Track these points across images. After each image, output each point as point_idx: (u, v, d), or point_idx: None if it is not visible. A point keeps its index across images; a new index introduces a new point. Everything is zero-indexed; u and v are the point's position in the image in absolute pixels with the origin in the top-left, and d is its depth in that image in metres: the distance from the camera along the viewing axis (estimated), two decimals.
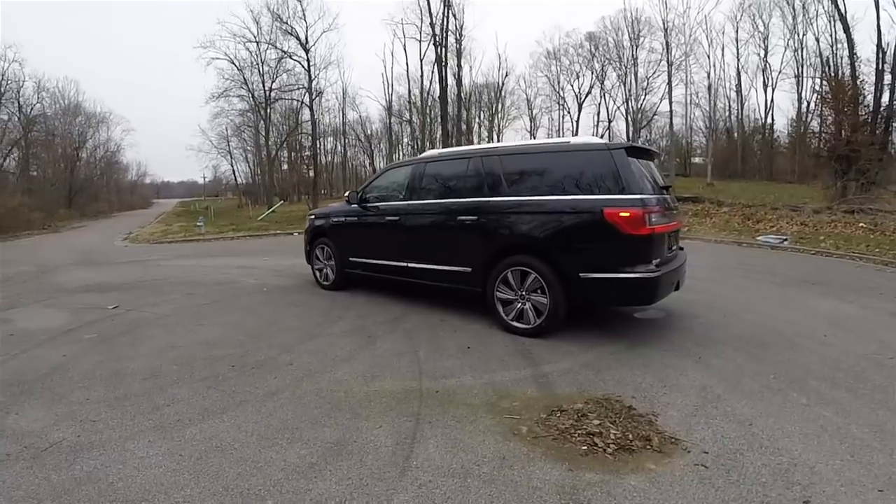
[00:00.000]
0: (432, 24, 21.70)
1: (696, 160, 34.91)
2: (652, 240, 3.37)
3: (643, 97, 32.11)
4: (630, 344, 3.58)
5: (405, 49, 28.03)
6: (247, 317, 4.80)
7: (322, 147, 36.46)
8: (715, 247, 9.43)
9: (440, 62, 21.39)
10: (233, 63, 20.55)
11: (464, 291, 4.32)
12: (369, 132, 40.37)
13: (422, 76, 24.94)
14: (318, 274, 6.12)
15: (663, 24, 24.46)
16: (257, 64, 21.30)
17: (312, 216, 6.27)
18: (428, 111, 28.89)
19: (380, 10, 59.61)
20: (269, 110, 23.11)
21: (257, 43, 20.06)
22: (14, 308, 5.44)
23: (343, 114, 34.39)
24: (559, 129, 38.68)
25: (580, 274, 3.48)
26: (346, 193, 5.85)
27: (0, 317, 5.02)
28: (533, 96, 38.97)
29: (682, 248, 4.45)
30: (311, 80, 20.40)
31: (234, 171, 35.36)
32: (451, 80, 23.72)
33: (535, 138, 38.50)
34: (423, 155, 5.10)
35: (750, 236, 10.17)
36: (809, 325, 3.99)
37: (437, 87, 23.15)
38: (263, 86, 21.72)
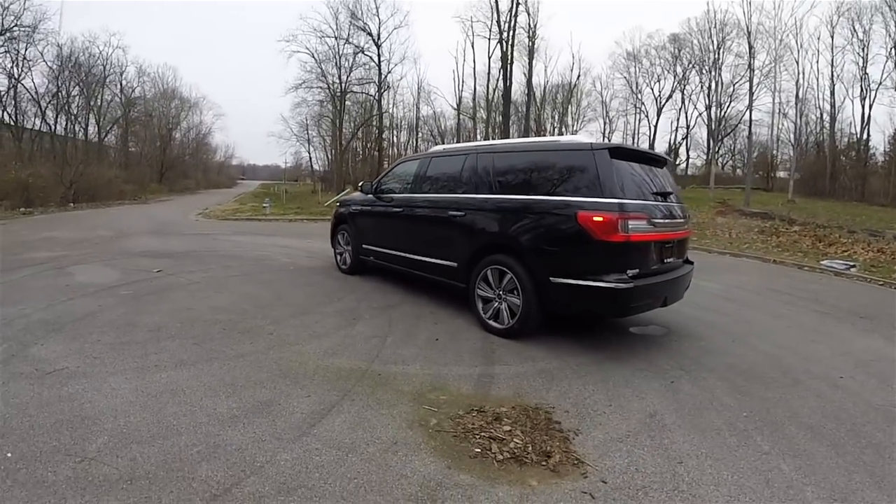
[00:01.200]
0: (498, 22, 21.86)
1: (782, 174, 31.85)
2: (627, 248, 3.28)
3: (727, 104, 29.82)
4: (603, 358, 3.51)
5: (473, 47, 28.24)
6: (262, 290, 5.37)
7: (395, 140, 38.09)
8: (770, 268, 8.64)
9: (505, 59, 21.41)
10: (312, 56, 22.23)
11: (453, 286, 4.49)
12: (443, 127, 41.38)
13: (488, 74, 25.02)
14: (338, 258, 6.64)
15: (747, 27, 22.34)
16: (334, 57, 22.80)
17: (339, 204, 6.78)
18: (494, 108, 29.01)
19: (450, 9, 60.23)
20: (343, 101, 24.56)
21: (335, 38, 21.49)
22: (80, 264, 6.52)
23: (417, 109, 35.70)
24: (635, 133, 37.27)
25: (550, 278, 3.48)
26: (360, 184, 6.27)
27: (66, 271, 6.06)
28: (609, 98, 38.09)
29: (689, 262, 4.27)
30: (380, 76, 21.47)
31: (310, 157, 38.04)
32: (520, 78, 23.62)
33: (610, 141, 37.41)
34: (431, 150, 5.36)
35: (815, 260, 9.17)
36: (829, 363, 3.64)
37: (506, 84, 23.12)
38: (339, 78, 23.20)
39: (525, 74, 24.31)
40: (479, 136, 29.31)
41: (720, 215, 14.79)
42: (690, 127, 34.96)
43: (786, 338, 4.23)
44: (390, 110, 33.91)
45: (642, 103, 37.24)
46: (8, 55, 17.24)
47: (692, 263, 4.33)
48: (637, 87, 36.83)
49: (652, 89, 36.73)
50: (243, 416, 2.45)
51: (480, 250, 4.02)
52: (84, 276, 5.82)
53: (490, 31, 24.50)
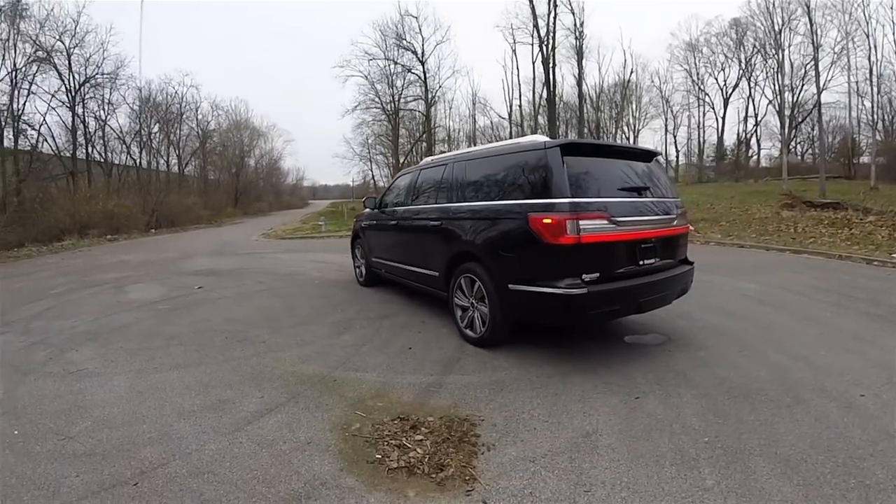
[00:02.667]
0: (536, 26, 21.86)
1: (866, 160, 28.11)
2: (581, 250, 3.20)
3: (799, 88, 27.12)
4: (571, 369, 3.45)
5: (515, 53, 28.29)
6: (278, 302, 6.00)
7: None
8: (832, 264, 7.80)
9: (546, 63, 21.32)
10: (365, 78, 23.85)
11: (438, 295, 4.74)
12: (501, 136, 41.88)
13: (533, 79, 24.94)
14: (356, 271, 7.19)
15: (806, 3, 20.12)
16: (386, 77, 24.25)
17: (356, 219, 7.34)
18: (542, 114, 28.84)
19: (493, 19, 60.47)
20: (397, 119, 25.91)
21: (385, 59, 22.90)
22: (137, 283, 7.66)
23: (473, 120, 36.51)
24: (700, 127, 35.32)
25: (509, 285, 3.56)
26: (365, 199, 6.75)
27: (123, 289, 7.18)
28: (669, 92, 36.80)
29: (686, 262, 4.15)
30: (426, 91, 22.46)
31: (373, 175, 40.23)
32: (570, 80, 23.32)
33: (675, 137, 35.79)
34: (422, 162, 5.69)
35: (888, 253, 8.14)
36: (853, 378, 3.17)
37: (563, 89, 22.98)
38: (392, 97, 24.60)
39: (575, 76, 23.99)
40: None
41: (786, 208, 13.48)
42: (760, 116, 32.49)
43: (809, 346, 3.85)
44: (446, 123, 35.08)
45: (706, 94, 35.67)
46: (93, 100, 20.44)
47: (691, 264, 4.17)
48: (699, 78, 35.36)
49: (716, 79, 34.99)
50: (200, 411, 2.93)
51: (454, 259, 4.23)
52: (135, 293, 6.85)
53: (533, 36, 24.61)
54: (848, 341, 3.96)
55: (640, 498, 2.01)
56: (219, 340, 4.41)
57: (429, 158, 5.62)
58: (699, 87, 35.45)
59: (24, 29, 16.65)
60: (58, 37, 18.28)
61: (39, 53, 17.27)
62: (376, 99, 25.06)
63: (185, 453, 2.43)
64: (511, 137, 30.14)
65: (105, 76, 20.28)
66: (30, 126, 17.78)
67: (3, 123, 15.94)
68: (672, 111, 37.15)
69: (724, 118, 35.16)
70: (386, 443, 2.46)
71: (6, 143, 16.26)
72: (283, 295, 6.48)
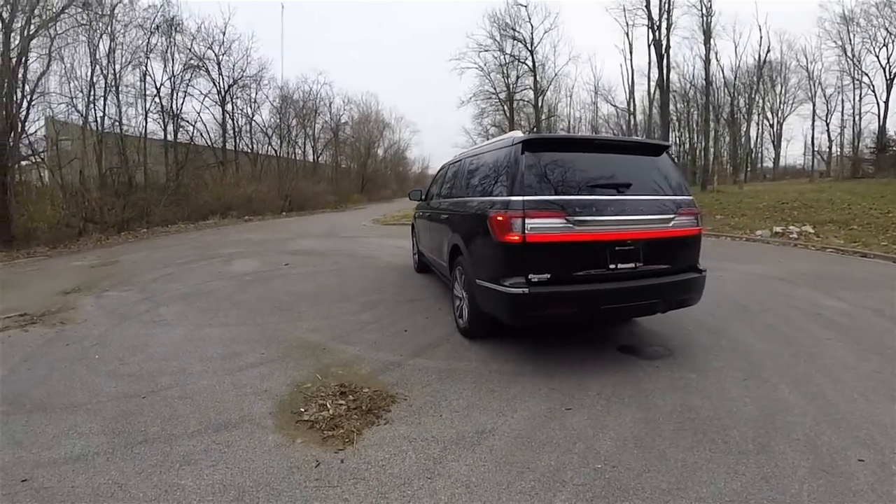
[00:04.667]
0: (647, 6, 19.91)
1: None
2: (528, 249, 3.24)
3: None
4: (533, 370, 3.49)
5: (627, 35, 25.92)
6: (336, 281, 6.99)
7: None
8: None
9: (658, 46, 19.33)
10: (481, 70, 24.62)
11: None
12: (633, 124, 39.69)
13: (649, 64, 22.76)
14: (413, 258, 7.91)
15: None
16: (499, 67, 24.71)
17: (416, 208, 8.05)
18: (656, 101, 26.30)
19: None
20: (512, 108, 26.25)
21: (499, 49, 23.34)
22: (243, 259, 9.38)
23: (596, 108, 35.13)
24: (856, 113, 29.30)
25: (477, 280, 3.71)
26: (410, 193, 7.36)
27: (230, 262, 8.90)
28: (820, 73, 31.36)
29: (692, 269, 3.81)
30: (535, 80, 22.35)
31: None
32: (700, 63, 20.94)
33: (828, 125, 30.91)
34: (451, 158, 6.09)
35: None
36: (869, 436, 2.54)
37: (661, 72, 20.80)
38: (508, 87, 25.01)
39: (702, 57, 21.43)
40: (640, 133, 27.09)
41: None
42: None
43: (846, 385, 3.21)
44: (566, 111, 34.28)
45: (864, 74, 30.48)
46: (240, 99, 24.52)
47: (700, 271, 3.83)
48: (856, 57, 30.25)
49: (876, 56, 29.68)
50: (215, 358, 3.85)
51: (451, 251, 4.62)
52: (236, 266, 8.46)
53: (647, 17, 22.47)
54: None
55: (471, 499, 2.07)
56: (267, 308, 5.44)
57: (458, 153, 6.03)
58: (856, 67, 30.71)
59: (180, 41, 20.76)
60: (208, 46, 22.51)
61: (192, 61, 21.48)
62: (492, 89, 25.63)
63: (185, 384, 3.34)
64: (630, 126, 28.43)
65: (249, 78, 24.25)
66: (187, 122, 22.29)
67: (166, 120, 20.14)
68: (824, 94, 32.46)
69: (886, 103, 30.24)
70: (315, 401, 3.03)
71: (168, 136, 20.51)
72: (346, 275, 7.46)
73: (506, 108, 25.86)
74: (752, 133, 38.16)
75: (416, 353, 3.94)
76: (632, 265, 3.46)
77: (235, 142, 25.09)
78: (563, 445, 2.50)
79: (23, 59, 12.25)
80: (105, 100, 16.71)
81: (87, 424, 2.79)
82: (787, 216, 13.01)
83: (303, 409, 2.92)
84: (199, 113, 23.12)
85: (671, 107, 26.06)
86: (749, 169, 38.49)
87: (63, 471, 2.33)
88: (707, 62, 22.40)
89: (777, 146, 42.99)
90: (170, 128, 20.53)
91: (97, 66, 15.90)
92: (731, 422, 2.72)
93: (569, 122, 39.04)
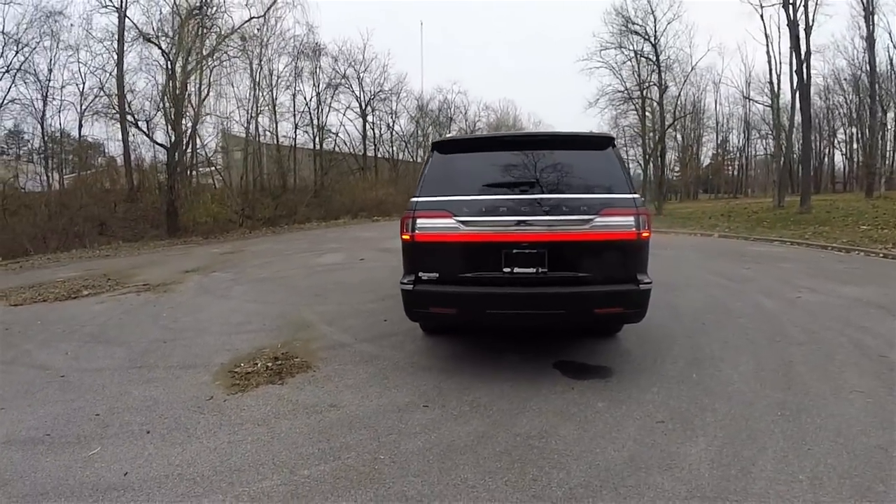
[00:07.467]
0: None
1: None
2: (417, 249, 3.48)
3: None
4: (443, 367, 3.83)
5: (762, 17, 21.36)
6: (383, 275, 7.98)
7: (718, 140, 34.66)
8: None
9: (793, 27, 15.86)
10: (611, 69, 23.77)
11: None
12: (767, 120, 34.46)
13: (790, 53, 18.61)
14: None
15: None
16: (628, 64, 23.59)
17: None
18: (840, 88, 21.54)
19: None
20: (644, 106, 24.91)
21: (619, 46, 22.34)
22: (334, 252, 11.13)
23: (747, 102, 31.01)
24: None
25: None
26: None
27: (320, 255, 10.67)
28: None
29: (633, 281, 3.37)
30: (660, 75, 20.69)
31: (628, 168, 39.38)
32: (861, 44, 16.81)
33: None
34: None
35: None
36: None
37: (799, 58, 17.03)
38: (639, 84, 23.81)
39: (863, 38, 17.03)
40: (784, 128, 22.60)
41: None
42: None
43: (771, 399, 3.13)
44: (713, 109, 30.97)
45: None
46: (379, 111, 27.62)
47: (638, 283, 3.34)
48: None
49: None
50: (232, 324, 5.20)
51: None
52: (323, 259, 10.16)
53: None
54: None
55: (270, 443, 2.69)
56: (308, 293, 6.75)
57: None
58: None
59: (324, 62, 24.36)
60: (349, 64, 25.91)
61: (334, 80, 24.92)
62: (621, 89, 24.55)
63: (195, 338, 4.71)
64: (777, 117, 24.38)
65: (387, 92, 27.25)
66: (330, 132, 25.99)
67: (314, 132, 23.85)
68: None
69: None
70: (256, 359, 4.04)
71: (315, 146, 24.23)
72: (395, 271, 8.47)
73: (637, 107, 24.45)
74: None
75: (369, 339, 4.65)
76: (532, 270, 3.35)
77: (375, 149, 28.40)
78: (373, 432, 2.79)
79: (186, 88, 16.05)
80: (260, 117, 20.72)
81: (120, 353, 4.30)
82: None
83: (242, 365, 3.96)
84: (341, 124, 26.94)
85: (840, 98, 21.67)
86: None
87: (85, 375, 3.80)
88: (870, 42, 18.07)
89: None
90: (316, 139, 24.39)
91: (256, 88, 19.88)
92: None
93: (716, 119, 35.28)
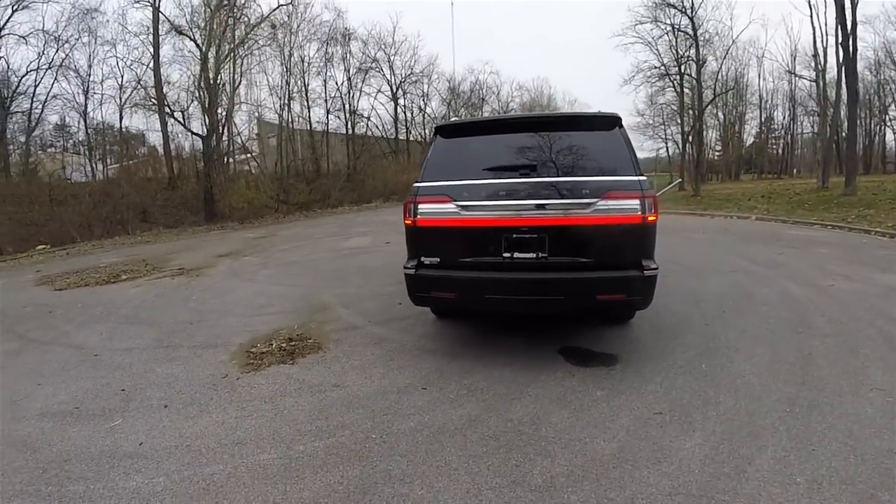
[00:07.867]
0: None
1: None
2: (418, 233, 3.53)
3: None
4: (447, 350, 3.89)
5: None
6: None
7: (763, 117, 32.97)
8: None
9: None
10: (648, 45, 22.78)
11: None
12: (812, 94, 32.25)
13: (837, 26, 16.79)
14: None
15: None
16: (665, 39, 22.54)
17: None
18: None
19: None
20: (683, 83, 23.85)
21: (654, 20, 21.31)
22: (361, 236, 11.35)
23: (792, 77, 29.09)
24: None
25: None
26: None
27: (346, 239, 10.89)
28: None
29: (638, 267, 3.26)
30: (697, 49, 19.59)
31: (666, 147, 37.64)
32: None
33: None
34: None
35: None
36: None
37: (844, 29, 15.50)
38: (677, 60, 22.79)
39: None
40: (830, 105, 20.93)
41: None
42: None
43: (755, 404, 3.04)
44: (757, 84, 29.36)
45: None
46: (410, 94, 27.60)
47: (643, 270, 3.23)
48: None
49: None
50: (255, 306, 5.45)
51: None
52: (349, 242, 10.40)
53: None
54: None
55: (273, 418, 2.87)
56: (331, 277, 6.95)
57: None
58: None
59: (354, 47, 24.47)
60: (379, 48, 25.93)
61: (365, 64, 25.03)
62: (657, 65, 23.47)
63: (218, 320, 4.96)
64: (822, 97, 22.79)
65: (418, 74, 27.18)
66: (362, 116, 26.22)
67: (346, 117, 24.09)
68: None
69: None
70: (272, 340, 4.24)
71: (347, 130, 24.49)
72: None
73: (674, 83, 23.38)
74: None
75: (381, 321, 4.77)
76: (532, 255, 3.32)
77: (407, 132, 28.50)
78: (369, 412, 2.90)
79: (219, 78, 16.49)
80: (292, 104, 21.07)
81: (148, 333, 4.59)
82: None
83: (258, 345, 4.16)
84: (373, 108, 27.09)
85: (892, 72, 19.89)
86: None
87: (116, 354, 4.10)
88: None
89: None
90: (348, 123, 24.63)
91: (287, 75, 20.22)
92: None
93: (760, 95, 33.36)
